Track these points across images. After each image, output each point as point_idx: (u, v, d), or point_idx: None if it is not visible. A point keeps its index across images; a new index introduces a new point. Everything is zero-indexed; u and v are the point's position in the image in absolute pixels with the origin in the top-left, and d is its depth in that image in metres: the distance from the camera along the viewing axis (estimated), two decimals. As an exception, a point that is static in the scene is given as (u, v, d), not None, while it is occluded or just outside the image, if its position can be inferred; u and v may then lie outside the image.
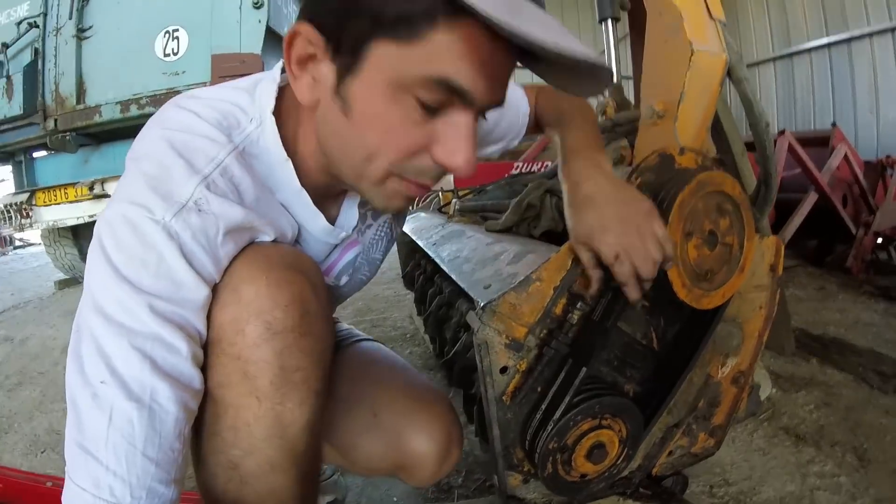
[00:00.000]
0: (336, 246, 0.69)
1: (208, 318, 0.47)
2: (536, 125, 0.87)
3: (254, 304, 0.47)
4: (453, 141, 0.48)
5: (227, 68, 3.05)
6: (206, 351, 0.48)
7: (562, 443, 0.63)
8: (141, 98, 3.02)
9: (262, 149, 0.53)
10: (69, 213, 3.32)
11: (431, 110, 0.47)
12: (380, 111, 0.47)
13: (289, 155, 0.54)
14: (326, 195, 0.62)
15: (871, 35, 6.24)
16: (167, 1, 3.07)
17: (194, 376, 0.46)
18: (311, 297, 0.50)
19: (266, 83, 0.55)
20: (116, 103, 3.00)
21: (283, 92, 0.55)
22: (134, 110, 3.03)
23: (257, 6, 3.14)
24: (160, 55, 3.05)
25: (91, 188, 3.22)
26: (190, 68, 3.06)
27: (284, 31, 3.63)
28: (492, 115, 0.75)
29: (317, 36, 0.47)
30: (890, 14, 6.01)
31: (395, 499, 1.11)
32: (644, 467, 0.81)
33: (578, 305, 0.65)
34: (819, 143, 3.52)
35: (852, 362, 1.78)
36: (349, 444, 0.76)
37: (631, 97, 1.72)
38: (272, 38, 3.32)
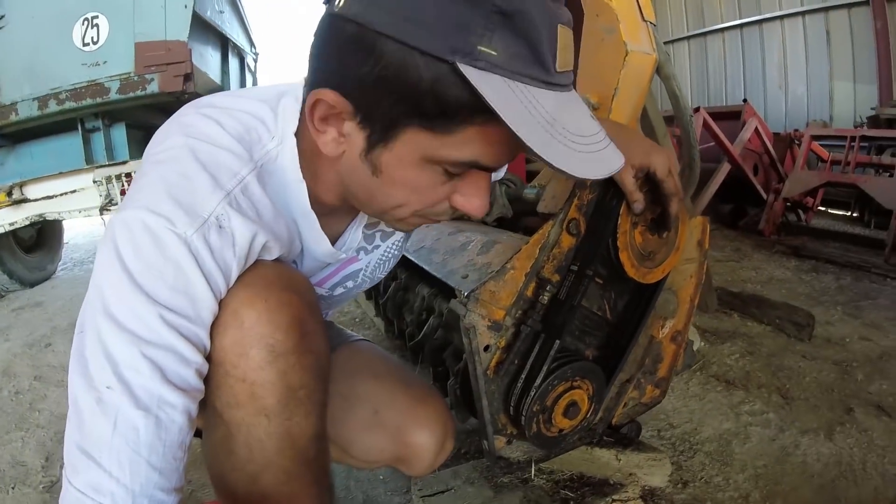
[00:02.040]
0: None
1: (212, 341, 0.49)
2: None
3: (255, 328, 0.49)
4: (472, 193, 0.52)
5: (152, 57, 2.87)
6: (212, 373, 0.50)
7: (543, 404, 0.74)
8: (60, 92, 2.78)
9: (278, 167, 0.55)
10: (-14, 223, 3.05)
11: (455, 174, 0.51)
12: (409, 178, 0.50)
13: (303, 176, 0.56)
14: (335, 214, 0.64)
15: (781, 17, 6.78)
16: (85, -15, 2.84)
17: (199, 387, 0.47)
18: (309, 317, 0.53)
19: (289, 100, 0.56)
20: (34, 99, 2.74)
21: (303, 111, 0.55)
22: (53, 106, 2.79)
23: (183, -10, 2.95)
24: (79, 45, 2.80)
25: (9, 193, 2.97)
26: (112, 58, 2.83)
27: (208, 14, 3.46)
28: None
29: (342, 101, 0.47)
30: (802, -1, 6.55)
31: (381, 477, 1.19)
32: (605, 419, 0.95)
33: (547, 288, 0.75)
34: (731, 117, 3.86)
35: (770, 315, 2.02)
36: (350, 439, 0.79)
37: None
38: (198, 23, 3.14)
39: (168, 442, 0.45)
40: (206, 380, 0.50)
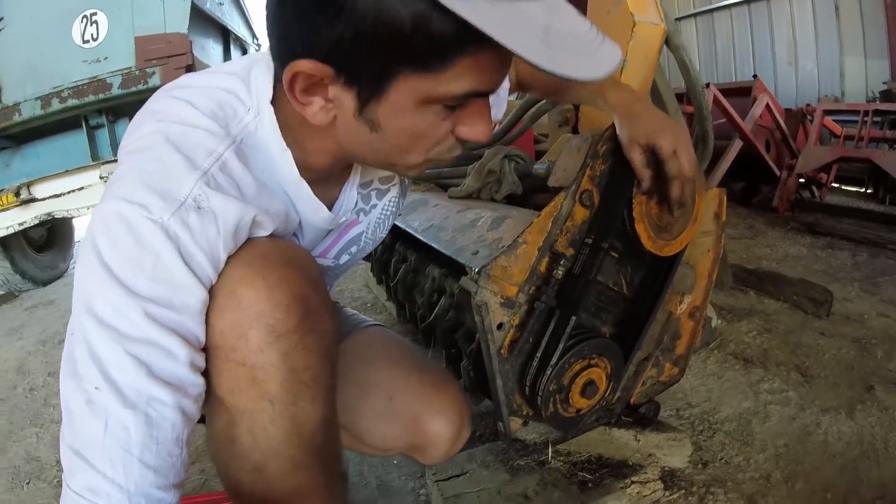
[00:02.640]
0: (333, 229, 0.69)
1: (206, 322, 0.47)
2: (521, 87, 0.89)
3: (254, 307, 0.47)
4: (475, 120, 0.51)
5: (153, 50, 2.87)
6: (208, 357, 0.48)
7: (560, 384, 0.72)
8: (62, 91, 2.78)
9: (259, 139, 0.53)
10: (-4, 224, 3.07)
11: (454, 107, 0.49)
12: (409, 124, 0.49)
13: (287, 144, 0.53)
14: (327, 178, 0.62)
15: (790, -9, 6.62)
16: (81, -18, 2.83)
17: (193, 381, 0.46)
18: (311, 294, 0.50)
19: (261, 69, 0.54)
20: (36, 99, 2.74)
21: (277, 79, 0.53)
22: (56, 104, 2.80)
23: (181, -18, 2.94)
24: (79, 42, 2.81)
25: (17, 194, 2.98)
26: (112, 54, 2.84)
27: (207, 6, 3.45)
28: None
29: (321, 67, 0.45)
30: (810, -27, 6.39)
31: (395, 462, 1.18)
32: (623, 398, 0.92)
33: (561, 262, 0.72)
34: (742, 93, 3.77)
35: (786, 291, 1.98)
36: (364, 427, 0.78)
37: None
38: (198, 15, 3.14)
39: (161, 439, 0.44)
40: (207, 366, 0.48)
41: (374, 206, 0.73)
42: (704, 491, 1.02)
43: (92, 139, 3.01)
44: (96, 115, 2.97)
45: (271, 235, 0.54)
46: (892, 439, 1.17)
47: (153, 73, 2.78)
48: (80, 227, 4.32)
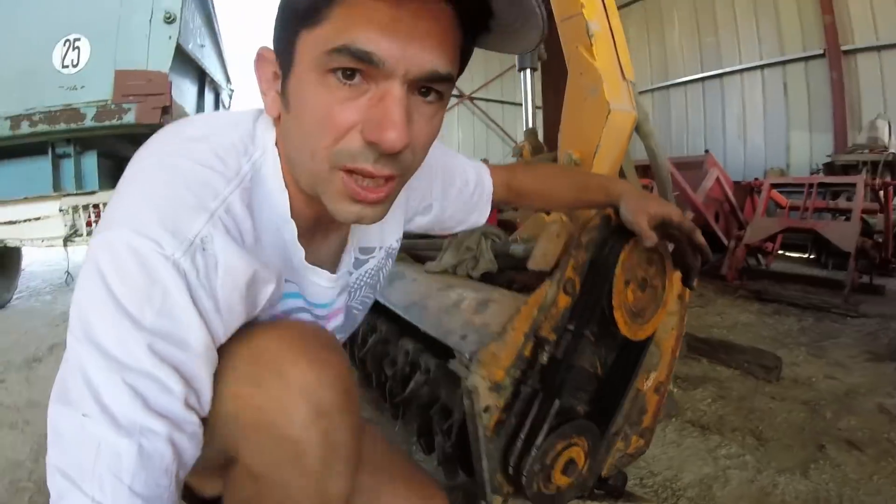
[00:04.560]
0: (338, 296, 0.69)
1: (243, 398, 0.48)
2: (509, 200, 0.91)
3: (299, 385, 0.49)
4: (379, 112, 0.46)
5: (132, 86, 2.81)
6: (247, 432, 0.49)
7: (543, 464, 0.75)
8: (34, 114, 2.69)
9: (262, 177, 0.54)
10: (-49, 244, 2.88)
11: (357, 89, 0.47)
12: (309, 97, 0.48)
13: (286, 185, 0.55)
14: (322, 228, 0.62)
15: (741, 71, 7.26)
16: (70, 6, 2.75)
17: (187, 418, 0.46)
18: (348, 375, 0.53)
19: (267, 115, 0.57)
20: (6, 118, 2.65)
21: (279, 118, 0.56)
22: (25, 127, 2.69)
23: (169, 21, 2.90)
24: (58, 66, 2.73)
25: (-25, 215, 2.83)
26: (90, 83, 2.77)
27: (189, 47, 3.45)
28: (451, 194, 0.79)
29: (272, 54, 0.51)
30: (760, 53, 7.05)
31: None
32: (595, 472, 0.95)
33: (545, 347, 0.77)
34: (694, 167, 4.05)
35: (738, 359, 2.09)
36: None
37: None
38: (179, 56, 3.11)
39: (151, 469, 0.43)
40: (235, 437, 0.49)
41: (350, 273, 0.72)
42: (670, 560, 1.05)
43: (56, 168, 2.91)
44: (64, 143, 2.88)
45: (303, 319, 0.57)
46: (846, 494, 1.23)
47: (129, 109, 2.72)
48: (27, 255, 4.09)
